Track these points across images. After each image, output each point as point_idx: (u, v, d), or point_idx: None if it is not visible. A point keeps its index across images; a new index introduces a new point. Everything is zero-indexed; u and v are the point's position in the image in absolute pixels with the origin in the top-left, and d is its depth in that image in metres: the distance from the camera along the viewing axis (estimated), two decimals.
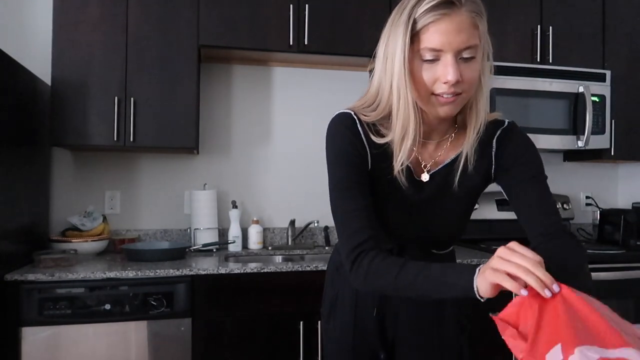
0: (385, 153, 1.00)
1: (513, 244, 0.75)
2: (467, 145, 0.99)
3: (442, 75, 0.87)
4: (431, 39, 0.86)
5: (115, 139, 2.25)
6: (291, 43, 2.43)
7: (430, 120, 0.99)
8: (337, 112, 1.04)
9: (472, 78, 0.90)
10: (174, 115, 2.32)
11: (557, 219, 0.97)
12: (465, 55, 0.87)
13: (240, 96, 2.76)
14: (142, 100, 2.29)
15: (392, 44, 0.91)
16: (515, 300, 0.73)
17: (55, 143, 2.24)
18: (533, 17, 2.73)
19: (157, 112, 2.30)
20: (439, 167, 1.04)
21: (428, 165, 1.04)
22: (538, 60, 2.71)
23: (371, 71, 3.00)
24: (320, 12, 2.46)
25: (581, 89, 2.66)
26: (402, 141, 0.95)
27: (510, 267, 0.72)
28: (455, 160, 1.03)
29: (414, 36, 0.87)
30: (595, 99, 2.70)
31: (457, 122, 1.03)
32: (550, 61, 2.72)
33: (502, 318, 0.73)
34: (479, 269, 0.79)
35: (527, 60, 2.69)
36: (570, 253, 0.93)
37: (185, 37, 2.33)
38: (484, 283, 0.77)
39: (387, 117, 0.98)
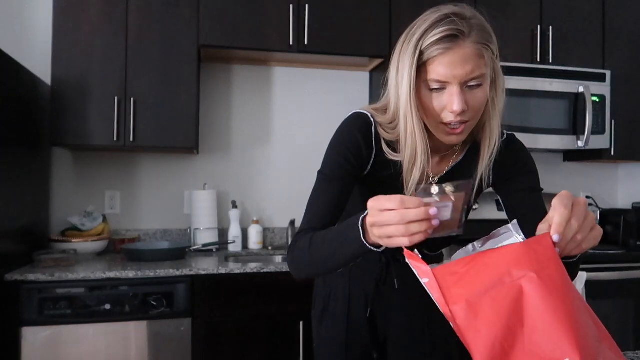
0: (391, 161, 1.00)
1: (381, 199, 0.74)
2: (482, 166, 1.01)
3: (449, 104, 0.89)
4: (437, 71, 0.87)
5: (115, 138, 2.25)
6: (291, 43, 2.43)
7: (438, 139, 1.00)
8: (354, 111, 1.04)
9: (478, 105, 0.91)
10: (174, 115, 2.32)
11: None
12: (471, 84, 0.89)
13: (240, 96, 2.76)
14: (142, 100, 2.29)
15: (400, 73, 0.93)
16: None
17: (55, 143, 2.24)
18: (533, 17, 2.72)
19: (157, 112, 2.30)
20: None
21: (437, 178, 1.05)
22: (538, 60, 2.71)
23: (371, 72, 2.99)
24: (320, 12, 2.45)
25: (581, 89, 2.66)
26: (412, 170, 0.96)
27: (388, 230, 0.73)
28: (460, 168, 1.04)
29: (421, 66, 0.89)
30: (595, 99, 2.70)
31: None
32: (550, 61, 2.72)
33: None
34: (360, 225, 0.81)
35: (527, 60, 2.69)
36: None
37: (185, 37, 2.33)
38: (374, 240, 0.79)
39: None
